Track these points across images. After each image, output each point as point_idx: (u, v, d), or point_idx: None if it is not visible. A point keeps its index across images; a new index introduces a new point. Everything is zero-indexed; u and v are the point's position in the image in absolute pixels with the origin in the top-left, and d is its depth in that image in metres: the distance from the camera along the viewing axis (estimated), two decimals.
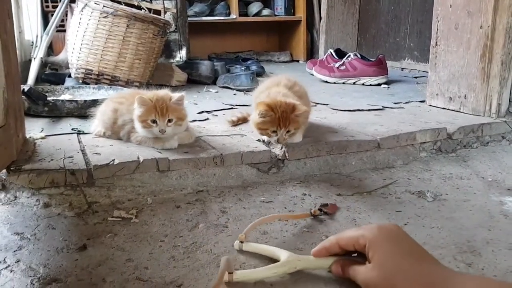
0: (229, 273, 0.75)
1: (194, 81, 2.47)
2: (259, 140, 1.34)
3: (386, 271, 0.70)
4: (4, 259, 0.84)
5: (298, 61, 3.69)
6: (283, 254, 0.82)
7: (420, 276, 0.67)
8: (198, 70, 2.48)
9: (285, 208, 1.10)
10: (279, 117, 1.22)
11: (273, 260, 0.84)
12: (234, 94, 2.18)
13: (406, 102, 1.94)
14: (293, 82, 1.44)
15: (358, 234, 0.75)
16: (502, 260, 0.88)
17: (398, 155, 1.42)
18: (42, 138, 1.34)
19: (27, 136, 1.32)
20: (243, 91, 2.22)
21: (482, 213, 1.09)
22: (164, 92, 1.28)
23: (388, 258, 0.70)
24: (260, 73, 2.70)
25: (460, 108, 1.74)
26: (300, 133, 1.34)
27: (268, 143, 1.33)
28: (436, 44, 1.81)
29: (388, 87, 2.37)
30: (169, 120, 1.23)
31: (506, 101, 1.65)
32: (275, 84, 1.39)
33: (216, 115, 1.72)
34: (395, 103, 1.93)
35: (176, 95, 1.25)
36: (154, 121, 1.22)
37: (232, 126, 1.52)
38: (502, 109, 1.65)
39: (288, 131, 1.26)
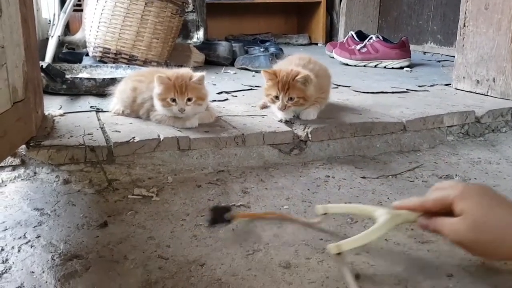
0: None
1: (212, 62, 2.43)
2: (280, 121, 1.31)
3: (476, 219, 0.66)
4: (24, 235, 0.83)
5: (317, 44, 3.62)
6: (379, 212, 0.79)
7: None
8: (216, 51, 2.44)
9: (308, 190, 1.07)
10: (278, 81, 1.24)
11: None
12: (253, 76, 2.14)
13: (431, 85, 1.88)
14: (306, 60, 1.39)
15: (444, 193, 0.71)
16: None
17: (425, 138, 1.37)
18: (61, 115, 1.33)
19: (46, 113, 1.31)
20: None
21: None
22: (184, 70, 1.25)
23: (478, 207, 0.66)
24: (279, 55, 2.64)
25: (488, 92, 1.68)
26: (314, 110, 1.32)
27: (290, 124, 1.29)
28: (464, 25, 1.75)
29: (411, 70, 2.31)
30: (189, 99, 1.20)
31: None
32: (287, 64, 1.36)
33: (236, 96, 1.69)
34: (419, 86, 1.87)
35: (196, 74, 1.22)
36: (173, 100, 1.19)
37: (262, 109, 1.46)
38: None
39: (291, 99, 1.25)
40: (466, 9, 1.73)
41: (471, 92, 1.73)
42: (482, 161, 1.27)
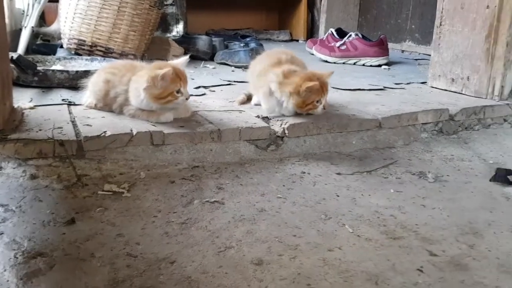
0: None
1: (191, 56, 2.37)
2: (258, 116, 1.30)
3: None
4: None
5: (297, 40, 3.61)
6: None
7: None
8: (195, 45, 2.41)
9: (284, 186, 1.06)
10: (322, 85, 1.25)
11: None
12: (232, 71, 2.13)
13: (408, 83, 1.90)
14: (290, 55, 1.39)
15: None
16: (504, 242, 0.86)
17: (399, 135, 1.38)
18: (31, 108, 1.29)
19: (15, 105, 1.27)
20: (241, 67, 2.17)
21: (484, 195, 1.06)
22: (174, 61, 1.25)
23: None
24: (259, 51, 2.63)
25: (462, 90, 1.70)
26: None
27: (267, 119, 1.28)
28: (440, 24, 1.76)
29: (389, 68, 2.33)
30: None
31: (510, 83, 1.61)
32: (276, 62, 1.34)
33: (214, 91, 1.67)
34: (396, 83, 1.88)
35: (180, 59, 1.23)
36: (178, 91, 1.17)
37: (240, 104, 1.44)
38: (505, 92, 1.61)
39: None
40: (442, 8, 1.75)
41: (446, 90, 1.75)
42: (455, 158, 1.28)
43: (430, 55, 1.84)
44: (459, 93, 1.70)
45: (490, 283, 0.73)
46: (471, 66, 1.66)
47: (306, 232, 0.86)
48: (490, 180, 1.12)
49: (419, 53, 2.87)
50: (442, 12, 1.75)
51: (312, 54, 2.61)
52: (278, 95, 1.27)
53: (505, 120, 1.57)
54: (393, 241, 0.85)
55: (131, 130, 1.12)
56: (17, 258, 0.73)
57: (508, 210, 0.99)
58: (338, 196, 1.02)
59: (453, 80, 1.74)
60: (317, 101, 1.27)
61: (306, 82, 1.23)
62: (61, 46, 2.06)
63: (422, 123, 1.42)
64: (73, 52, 1.98)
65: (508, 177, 1.12)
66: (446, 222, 0.93)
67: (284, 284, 0.71)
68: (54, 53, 2.02)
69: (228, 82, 1.81)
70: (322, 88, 1.26)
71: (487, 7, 1.58)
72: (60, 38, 2.17)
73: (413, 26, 2.98)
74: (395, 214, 0.95)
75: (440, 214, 0.96)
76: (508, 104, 1.57)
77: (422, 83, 1.89)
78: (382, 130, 1.35)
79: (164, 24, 2.85)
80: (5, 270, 0.70)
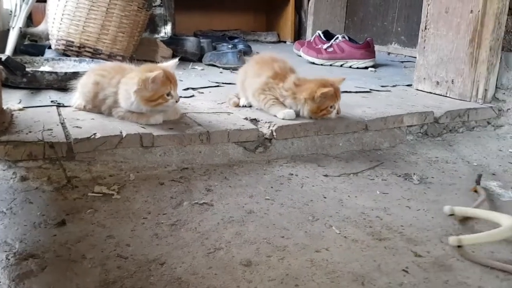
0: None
1: (179, 57, 2.40)
2: (246, 119, 1.32)
3: None
4: None
5: (285, 42, 3.63)
6: (504, 219, 0.87)
7: None
8: (183, 47, 2.41)
9: (272, 187, 1.08)
10: (335, 91, 1.30)
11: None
12: (221, 72, 2.14)
13: (393, 86, 1.93)
14: (282, 60, 1.41)
15: None
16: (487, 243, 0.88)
17: (385, 138, 1.41)
18: (20, 109, 1.29)
19: (4, 107, 1.26)
20: (229, 69, 2.18)
21: (467, 197, 1.09)
22: (164, 64, 1.26)
23: None
24: (247, 52, 2.65)
25: (447, 93, 1.73)
26: None
27: (256, 122, 1.30)
28: (425, 28, 1.80)
29: (375, 71, 2.36)
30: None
31: (493, 86, 1.65)
32: (269, 69, 1.36)
33: (202, 92, 1.68)
34: (382, 86, 1.91)
35: (170, 62, 1.24)
36: (168, 94, 1.18)
37: (235, 107, 1.46)
38: (488, 95, 1.65)
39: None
40: (427, 12, 1.78)
41: (431, 93, 1.78)
42: (439, 160, 1.31)
43: (415, 57, 1.87)
44: (444, 96, 1.74)
45: (473, 283, 0.75)
46: (455, 70, 1.70)
47: (294, 233, 0.88)
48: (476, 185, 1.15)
49: (405, 56, 2.91)
50: (427, 16, 1.78)
51: (300, 56, 2.63)
52: (293, 105, 1.32)
53: (488, 123, 1.60)
54: (379, 242, 0.87)
55: (121, 132, 1.12)
56: (8, 259, 0.74)
57: None
58: (325, 197, 1.04)
59: (438, 83, 1.77)
60: (331, 107, 1.31)
61: (320, 88, 1.27)
62: (49, 47, 2.06)
63: (408, 126, 1.45)
64: (61, 53, 1.97)
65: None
66: (430, 223, 0.95)
67: (273, 285, 0.72)
68: (42, 54, 2.02)
69: (217, 84, 1.83)
70: (336, 94, 1.31)
71: (471, 11, 1.62)
72: (47, 39, 2.16)
73: (399, 29, 3.02)
74: (381, 215, 0.97)
75: (425, 215, 0.99)
76: (491, 107, 1.61)
77: (408, 85, 1.93)
78: (369, 133, 1.38)
79: (152, 25, 2.85)
80: None
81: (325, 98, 1.28)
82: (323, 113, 1.31)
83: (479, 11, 1.59)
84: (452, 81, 1.72)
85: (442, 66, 1.74)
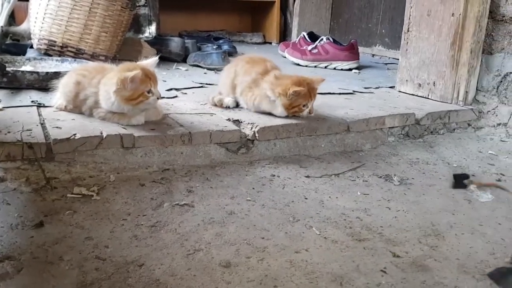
0: None
1: (163, 58, 2.37)
2: (229, 120, 1.32)
3: None
4: None
5: (270, 43, 3.64)
6: None
7: None
8: (168, 47, 2.40)
9: (253, 188, 1.08)
10: (310, 91, 1.32)
11: None
12: (205, 73, 2.13)
13: (376, 87, 1.95)
14: (271, 62, 1.44)
15: None
16: (464, 244, 0.89)
17: (367, 139, 1.42)
18: (0, 109, 1.27)
19: None
20: (214, 70, 2.18)
21: (447, 198, 1.10)
22: (143, 62, 1.24)
23: None
24: (232, 53, 2.65)
25: (428, 95, 1.76)
26: None
27: (238, 123, 1.30)
28: (408, 30, 1.82)
29: (359, 72, 2.38)
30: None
31: (473, 89, 1.67)
32: (260, 67, 1.39)
33: (186, 93, 1.67)
34: (365, 88, 1.93)
35: (149, 60, 1.23)
36: (149, 91, 1.17)
37: (220, 106, 1.46)
38: (469, 97, 1.67)
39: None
40: (410, 15, 1.80)
41: (413, 95, 1.80)
42: (420, 162, 1.33)
43: (398, 59, 1.89)
44: (425, 98, 1.76)
45: (450, 283, 0.76)
46: (437, 72, 1.72)
47: (274, 234, 0.88)
48: (452, 188, 1.16)
49: (389, 57, 2.93)
50: (409, 19, 1.80)
51: (285, 57, 2.64)
52: (270, 94, 1.34)
53: (469, 125, 1.63)
54: (358, 242, 0.87)
55: (101, 133, 1.12)
56: None
57: (469, 213, 1.03)
58: (306, 198, 1.05)
59: (420, 85, 1.79)
60: (304, 105, 1.32)
61: (293, 86, 1.29)
62: (31, 46, 2.03)
63: (389, 127, 1.46)
64: (43, 53, 1.95)
65: (464, 181, 1.17)
66: (409, 224, 0.96)
67: (251, 286, 0.72)
68: (24, 53, 1.99)
69: (200, 85, 1.82)
70: (310, 93, 1.32)
71: (452, 15, 1.64)
72: (30, 38, 2.13)
73: (383, 31, 3.04)
74: (361, 216, 0.98)
75: (404, 216, 1.00)
76: (472, 109, 1.63)
77: (391, 87, 1.94)
78: (351, 134, 1.39)
79: (137, 25, 2.83)
80: None
81: (297, 96, 1.30)
82: (294, 110, 1.33)
83: (460, 14, 1.61)
84: (434, 83, 1.74)
85: (424, 68, 1.76)
